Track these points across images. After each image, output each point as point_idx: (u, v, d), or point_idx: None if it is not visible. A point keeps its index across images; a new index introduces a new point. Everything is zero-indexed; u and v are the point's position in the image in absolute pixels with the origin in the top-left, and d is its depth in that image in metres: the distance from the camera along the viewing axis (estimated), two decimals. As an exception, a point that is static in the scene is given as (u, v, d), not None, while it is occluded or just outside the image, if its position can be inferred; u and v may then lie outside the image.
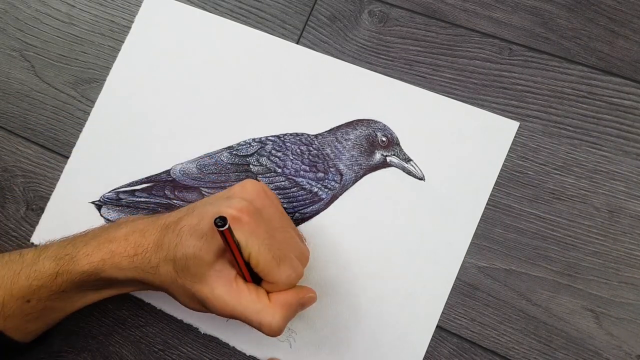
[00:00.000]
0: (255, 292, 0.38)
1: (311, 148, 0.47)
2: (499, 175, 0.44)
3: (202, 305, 0.38)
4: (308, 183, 0.46)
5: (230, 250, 0.36)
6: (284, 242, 0.39)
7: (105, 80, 0.52)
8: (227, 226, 0.34)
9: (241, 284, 0.38)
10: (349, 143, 0.46)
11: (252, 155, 0.48)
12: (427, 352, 0.43)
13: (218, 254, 0.37)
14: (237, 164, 0.48)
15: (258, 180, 0.46)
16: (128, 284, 0.40)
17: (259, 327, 0.37)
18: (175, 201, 0.48)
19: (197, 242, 0.37)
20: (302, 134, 0.47)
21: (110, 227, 0.41)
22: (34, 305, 0.40)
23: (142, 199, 0.49)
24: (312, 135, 0.47)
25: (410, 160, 0.45)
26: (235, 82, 0.49)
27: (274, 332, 0.37)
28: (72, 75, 0.52)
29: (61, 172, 0.51)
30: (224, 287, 0.37)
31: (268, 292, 0.38)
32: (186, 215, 0.38)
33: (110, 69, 0.52)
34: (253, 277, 0.38)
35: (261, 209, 0.38)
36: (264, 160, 0.47)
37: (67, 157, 0.51)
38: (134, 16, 0.52)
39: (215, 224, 0.34)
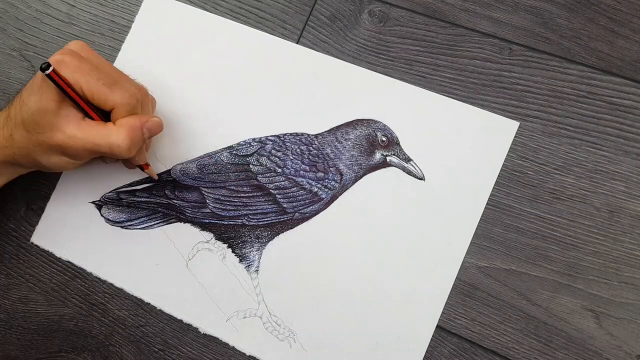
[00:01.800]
0: (104, 125, 0.42)
1: (311, 148, 0.47)
2: (499, 175, 0.44)
3: (60, 153, 0.42)
4: (308, 183, 0.46)
5: (63, 91, 0.40)
6: (113, 73, 0.43)
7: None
8: (51, 68, 0.39)
9: (89, 121, 0.42)
10: (349, 143, 0.46)
11: (252, 155, 0.48)
12: (427, 352, 0.43)
13: (60, 101, 0.41)
14: (237, 163, 0.48)
15: (258, 178, 0.46)
16: (2, 170, 0.45)
17: (110, 150, 0.41)
18: (175, 201, 0.48)
19: (35, 96, 0.41)
20: (302, 134, 0.47)
21: None
22: None
23: (142, 199, 0.49)
24: (312, 135, 0.47)
25: (410, 160, 0.45)
26: (235, 82, 0.49)
27: (123, 150, 0.41)
28: (72, 75, 0.52)
29: (61, 171, 0.51)
30: (74, 127, 0.41)
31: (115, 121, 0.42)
32: (24, 88, 0.43)
33: (110, 68, 0.52)
34: (100, 117, 0.43)
35: (82, 52, 0.42)
36: (264, 160, 0.47)
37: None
38: (134, 16, 0.52)
39: (41, 69, 0.39)
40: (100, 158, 0.47)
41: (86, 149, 0.42)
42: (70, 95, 0.41)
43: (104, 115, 0.43)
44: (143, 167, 0.47)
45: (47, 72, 0.39)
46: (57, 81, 0.40)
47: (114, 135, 0.41)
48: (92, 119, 0.42)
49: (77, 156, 0.43)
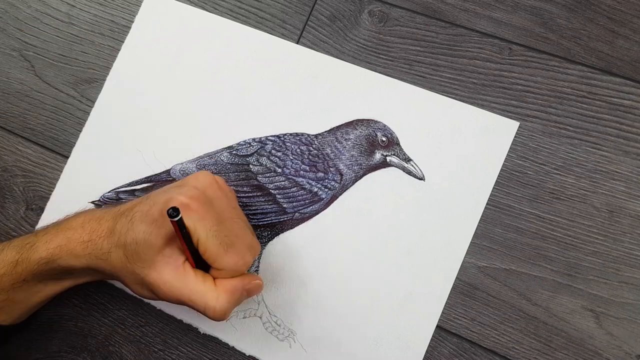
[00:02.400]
0: (202, 277, 0.38)
1: (311, 148, 0.47)
2: (499, 175, 0.44)
3: (151, 291, 0.39)
4: (308, 183, 0.46)
5: (181, 237, 0.37)
6: (233, 231, 0.39)
7: (105, 80, 0.52)
8: (179, 217, 0.36)
9: (188, 269, 0.38)
10: (349, 143, 0.46)
11: (252, 155, 0.48)
12: (427, 352, 0.43)
13: (167, 240, 0.38)
14: (237, 163, 0.48)
15: (258, 178, 0.46)
16: (84, 272, 0.41)
17: (204, 311, 0.38)
18: (175, 201, 0.48)
19: (147, 227, 0.37)
20: (302, 134, 0.47)
21: (71, 216, 0.43)
22: None
23: (142, 199, 0.49)
24: (312, 135, 0.47)
25: (410, 160, 0.45)
26: (235, 82, 0.49)
27: (218, 316, 0.38)
28: (72, 75, 0.52)
29: (61, 171, 0.51)
30: (172, 272, 0.38)
31: (215, 279, 0.39)
32: (139, 203, 0.39)
33: (110, 68, 0.52)
34: (203, 266, 0.39)
35: (212, 199, 0.39)
36: (264, 160, 0.47)
37: (67, 157, 0.51)
38: (134, 16, 0.52)
39: (168, 214, 0.35)
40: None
41: (178, 299, 0.38)
42: (184, 242, 0.37)
43: (205, 266, 0.39)
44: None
45: (175, 219, 0.36)
46: (176, 226, 0.36)
47: (213, 298, 0.38)
48: (192, 264, 0.39)
49: (164, 299, 0.39)
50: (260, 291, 0.41)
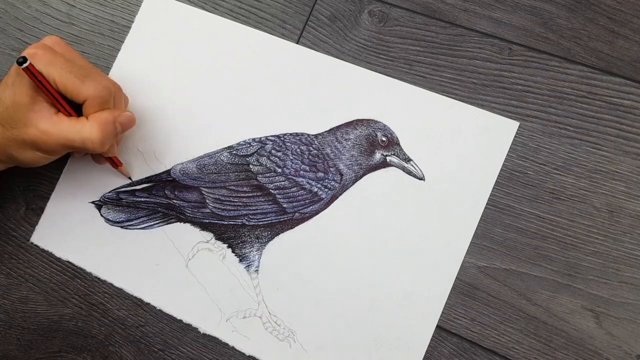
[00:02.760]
0: (76, 119, 0.43)
1: (311, 148, 0.47)
2: (499, 175, 0.44)
3: (35, 149, 0.43)
4: (308, 183, 0.46)
5: (39, 83, 0.41)
6: (86, 66, 0.43)
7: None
8: (28, 62, 0.40)
9: (62, 116, 0.42)
10: (349, 143, 0.46)
11: (252, 155, 0.48)
12: (427, 352, 0.43)
13: (33, 96, 0.42)
14: (237, 163, 0.48)
15: (258, 178, 0.46)
16: None
17: (82, 144, 0.42)
18: (175, 201, 0.48)
19: (10, 90, 0.42)
20: (302, 134, 0.47)
21: None
22: None
23: (142, 199, 0.49)
24: (312, 135, 0.47)
25: (410, 160, 0.45)
26: (235, 82, 0.49)
27: (96, 144, 0.42)
28: (72, 75, 0.52)
29: (61, 171, 0.51)
30: (46, 121, 0.42)
31: (88, 116, 0.43)
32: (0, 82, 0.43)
33: (110, 69, 0.52)
34: (72, 113, 0.43)
35: (55, 46, 0.43)
36: (263, 160, 0.47)
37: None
38: (134, 16, 0.52)
39: (18, 62, 0.40)
40: (71, 153, 0.47)
41: (59, 144, 0.42)
42: (44, 89, 0.41)
43: (77, 110, 0.43)
44: (116, 163, 0.48)
45: (24, 65, 0.40)
46: (31, 75, 0.40)
47: (86, 130, 0.42)
48: (66, 113, 0.43)
49: (50, 151, 0.43)
50: (133, 124, 0.45)
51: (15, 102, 0.41)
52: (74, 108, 0.43)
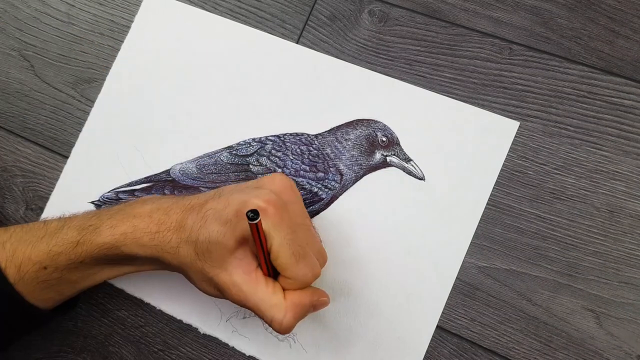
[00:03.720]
0: (272, 287, 0.38)
1: (311, 148, 0.47)
2: (499, 175, 0.44)
3: (217, 291, 0.38)
4: (308, 183, 0.46)
5: (258, 241, 0.36)
6: (305, 240, 0.38)
7: (104, 79, 0.52)
8: (258, 219, 0.35)
9: (260, 276, 0.38)
10: (349, 143, 0.46)
11: (252, 155, 0.48)
12: (427, 352, 0.43)
13: (240, 242, 0.37)
14: (236, 163, 0.48)
15: (259, 175, 0.46)
16: (147, 262, 0.40)
17: (270, 322, 0.37)
18: (175, 201, 0.48)
19: (221, 227, 0.37)
20: (302, 134, 0.47)
21: (136, 202, 0.41)
22: (50, 272, 0.40)
23: (141, 199, 0.49)
24: (312, 135, 0.47)
25: (410, 160, 0.45)
26: (235, 82, 0.49)
27: (283, 330, 0.37)
28: (71, 74, 0.52)
29: (61, 171, 0.51)
30: (243, 276, 0.37)
31: (283, 289, 0.38)
32: (212, 200, 0.38)
33: (110, 68, 0.52)
34: (272, 272, 0.38)
35: (287, 204, 0.38)
36: (263, 160, 0.47)
37: (67, 157, 0.51)
38: (134, 16, 0.52)
39: (248, 217, 0.34)
40: None
41: (245, 304, 0.38)
42: (261, 247, 0.37)
43: (274, 272, 0.39)
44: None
45: (254, 222, 0.35)
46: (255, 231, 0.36)
47: (280, 312, 0.37)
48: (263, 270, 0.38)
49: (231, 300, 0.38)
50: (326, 306, 0.41)
51: (221, 242, 0.36)
52: (274, 269, 0.39)
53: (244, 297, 0.37)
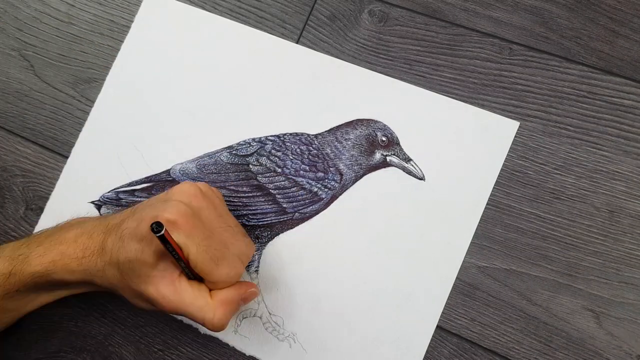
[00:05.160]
0: (198, 290, 0.39)
1: (311, 148, 0.47)
2: (499, 175, 0.44)
3: (150, 304, 0.39)
4: (308, 183, 0.46)
5: (170, 253, 0.37)
6: (223, 242, 0.39)
7: (104, 79, 0.52)
8: (162, 232, 0.35)
9: (184, 282, 0.39)
10: (349, 143, 0.46)
11: (251, 155, 0.48)
12: (427, 352, 0.43)
13: (160, 255, 0.38)
14: (236, 163, 0.48)
15: (258, 178, 0.46)
16: (79, 285, 0.42)
17: (203, 323, 0.38)
18: (174, 201, 0.48)
19: (138, 245, 0.37)
20: (302, 134, 0.47)
21: (63, 227, 0.43)
22: None
23: (141, 199, 0.49)
24: (312, 135, 0.47)
25: (410, 160, 0.45)
26: (235, 82, 0.49)
27: (216, 328, 0.38)
28: (71, 74, 0.52)
29: (60, 171, 0.51)
30: (168, 287, 0.38)
31: (210, 289, 0.39)
32: (127, 219, 0.39)
33: (110, 68, 0.52)
34: (197, 275, 0.39)
35: (198, 211, 0.39)
36: (263, 160, 0.47)
37: (67, 157, 0.51)
38: (134, 16, 0.52)
39: (152, 229, 0.35)
40: None
41: (175, 311, 0.39)
42: (175, 257, 0.37)
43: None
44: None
45: (159, 234, 0.35)
46: (167, 242, 0.36)
47: (210, 312, 0.38)
48: (188, 276, 0.39)
49: (164, 311, 0.39)
50: (256, 297, 0.42)
51: (140, 260, 0.37)
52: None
53: (174, 306, 0.38)
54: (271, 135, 0.48)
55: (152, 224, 0.35)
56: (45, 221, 0.50)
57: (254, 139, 0.48)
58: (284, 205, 0.46)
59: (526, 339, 0.42)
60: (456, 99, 0.45)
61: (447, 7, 0.47)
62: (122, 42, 0.52)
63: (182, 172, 0.48)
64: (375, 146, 0.46)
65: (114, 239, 0.39)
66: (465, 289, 0.43)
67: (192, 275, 0.39)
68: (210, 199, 0.40)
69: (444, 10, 0.47)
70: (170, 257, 0.38)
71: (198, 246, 0.37)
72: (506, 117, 0.44)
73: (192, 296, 0.38)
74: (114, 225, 0.40)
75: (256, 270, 0.46)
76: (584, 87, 0.44)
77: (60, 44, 0.53)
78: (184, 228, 0.37)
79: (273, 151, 0.47)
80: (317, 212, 0.46)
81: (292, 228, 0.46)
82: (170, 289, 0.38)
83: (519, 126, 0.44)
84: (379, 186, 0.45)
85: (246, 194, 0.47)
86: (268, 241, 0.46)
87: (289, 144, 0.47)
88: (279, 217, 0.46)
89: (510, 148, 0.44)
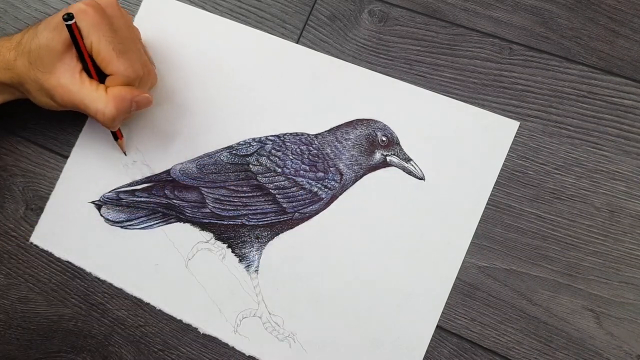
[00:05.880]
0: (96, 85, 0.43)
1: (311, 148, 0.47)
2: (499, 175, 0.44)
3: (49, 97, 0.44)
4: (308, 183, 0.46)
5: (74, 42, 0.42)
6: (127, 43, 0.43)
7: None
8: (73, 20, 0.41)
9: (85, 77, 0.43)
10: (349, 143, 0.46)
11: (251, 155, 0.48)
12: (427, 352, 0.43)
13: (67, 47, 0.43)
14: (236, 163, 0.48)
15: (258, 178, 0.46)
16: None
17: (94, 114, 0.43)
18: (175, 201, 0.48)
19: (49, 33, 0.42)
20: (302, 134, 0.47)
21: None
22: None
23: (142, 199, 0.49)
24: (312, 135, 0.47)
25: (410, 160, 0.45)
26: (235, 82, 0.49)
27: (107, 120, 0.43)
28: (71, 74, 0.52)
29: (60, 171, 0.51)
30: (69, 78, 0.43)
31: (107, 88, 0.43)
32: (46, 19, 0.44)
33: (110, 68, 0.52)
34: (100, 79, 0.44)
35: (112, 17, 0.43)
36: (263, 160, 0.47)
37: (67, 157, 0.51)
38: (134, 16, 0.52)
39: (63, 18, 0.41)
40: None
41: (72, 103, 0.43)
42: (77, 49, 0.42)
43: (102, 75, 0.44)
44: (117, 136, 0.48)
45: (69, 23, 0.41)
46: (73, 30, 0.41)
47: (102, 102, 0.42)
48: (90, 74, 0.43)
49: (62, 104, 0.44)
50: (149, 105, 0.46)
51: (49, 47, 0.42)
52: (100, 73, 0.44)
53: (70, 96, 0.42)
54: (271, 135, 0.48)
55: (64, 15, 0.41)
56: (45, 221, 0.50)
57: (254, 139, 0.48)
58: (284, 205, 0.46)
59: (526, 339, 0.42)
60: (456, 99, 0.45)
61: (447, 7, 0.47)
62: (122, 42, 0.52)
63: (182, 172, 0.48)
64: (375, 146, 0.46)
65: (30, 33, 0.44)
66: (465, 289, 0.43)
67: (94, 75, 0.43)
68: (125, 15, 0.45)
69: (444, 10, 0.47)
70: (76, 52, 0.42)
71: (102, 36, 0.42)
72: (506, 117, 0.44)
73: (89, 88, 0.42)
74: (34, 24, 0.45)
75: (256, 270, 0.46)
76: (584, 87, 0.44)
77: (60, 44, 0.53)
78: (91, 18, 0.41)
79: (273, 151, 0.47)
80: (317, 212, 0.46)
81: (292, 228, 0.46)
82: (70, 80, 0.42)
83: (519, 126, 0.44)
84: (379, 186, 0.45)
85: (246, 194, 0.47)
86: (268, 241, 0.46)
87: (289, 144, 0.47)
88: (279, 217, 0.46)
89: (510, 148, 0.44)
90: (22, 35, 0.44)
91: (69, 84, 0.42)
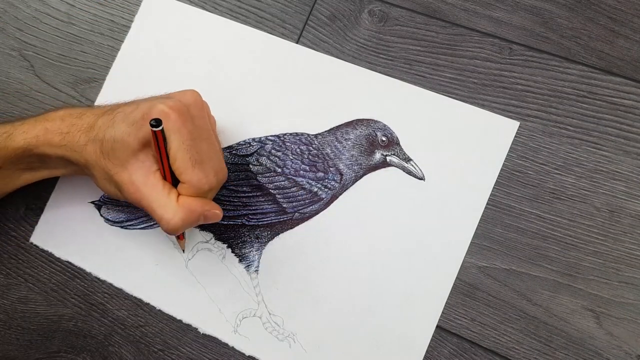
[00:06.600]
0: (168, 190, 0.40)
1: (311, 148, 0.47)
2: (499, 175, 0.44)
3: (117, 190, 0.41)
4: (308, 183, 0.46)
5: (157, 145, 0.39)
6: (205, 151, 0.41)
7: (104, 79, 0.52)
8: (161, 127, 0.38)
9: (158, 178, 0.40)
10: (349, 143, 0.46)
11: (251, 155, 0.48)
12: (427, 352, 0.43)
13: (143, 145, 0.40)
14: (237, 163, 0.48)
15: (258, 178, 0.46)
16: (58, 163, 0.44)
17: (159, 221, 0.40)
18: (174, 201, 0.48)
19: (127, 128, 0.40)
20: (302, 134, 0.47)
21: (52, 109, 0.45)
22: None
23: (141, 199, 0.49)
24: (312, 135, 0.47)
25: (410, 160, 0.45)
26: (235, 82, 0.49)
27: (170, 229, 0.40)
28: (71, 74, 0.52)
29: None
30: (142, 176, 0.40)
31: (179, 196, 0.41)
32: (124, 105, 0.42)
33: (110, 68, 0.52)
34: (173, 183, 0.41)
35: (194, 117, 0.41)
36: (263, 160, 0.47)
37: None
38: (134, 16, 0.52)
39: (151, 124, 0.38)
40: None
41: (139, 203, 0.40)
42: (157, 151, 0.39)
43: (175, 178, 0.41)
44: (179, 237, 0.46)
45: (155, 129, 0.38)
46: (154, 137, 0.39)
47: (170, 211, 0.39)
48: (164, 176, 0.41)
49: (128, 200, 0.41)
50: (217, 220, 0.43)
51: (125, 142, 0.39)
52: (173, 176, 0.41)
53: (139, 196, 0.40)
54: (271, 135, 0.48)
55: (152, 120, 0.38)
56: (45, 221, 0.50)
57: (254, 139, 0.48)
58: (284, 205, 0.46)
59: (526, 339, 0.42)
60: (456, 99, 0.45)
61: (447, 7, 0.47)
62: (122, 42, 0.52)
63: (182, 172, 0.48)
64: (375, 146, 0.46)
65: (105, 119, 0.41)
66: (465, 289, 0.43)
67: (168, 176, 0.41)
68: (208, 115, 0.43)
69: (444, 10, 0.47)
70: (153, 151, 0.40)
71: (182, 143, 0.39)
72: (506, 117, 0.44)
73: (160, 192, 0.40)
74: (109, 109, 0.42)
75: (256, 270, 0.46)
76: (584, 87, 0.44)
77: (60, 44, 0.53)
78: (174, 122, 0.39)
79: (273, 151, 0.47)
80: (317, 212, 0.46)
81: (292, 228, 0.46)
82: (143, 180, 0.40)
83: (519, 126, 0.44)
84: (379, 186, 0.45)
85: (246, 194, 0.47)
86: (268, 241, 0.46)
87: (289, 144, 0.47)
88: (279, 217, 0.46)
89: (510, 148, 0.44)
90: (96, 118, 0.42)
91: (142, 183, 0.40)
